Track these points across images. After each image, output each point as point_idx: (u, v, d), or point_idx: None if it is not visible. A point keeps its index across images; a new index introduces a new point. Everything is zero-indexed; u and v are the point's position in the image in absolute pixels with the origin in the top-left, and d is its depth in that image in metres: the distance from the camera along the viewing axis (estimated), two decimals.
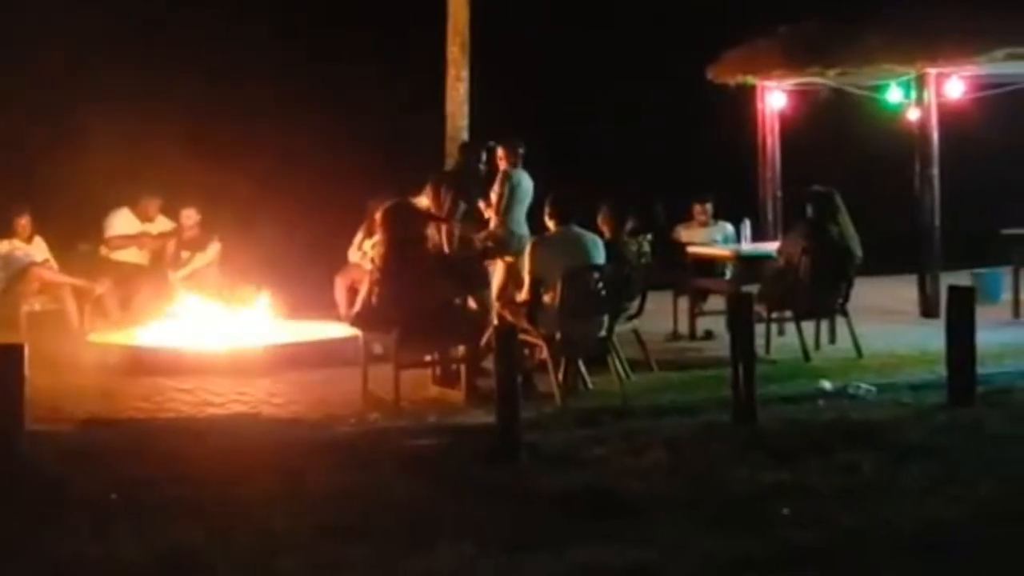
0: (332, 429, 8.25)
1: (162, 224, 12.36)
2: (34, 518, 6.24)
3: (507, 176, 11.15)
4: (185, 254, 12.22)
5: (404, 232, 9.14)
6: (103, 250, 12.11)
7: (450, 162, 12.24)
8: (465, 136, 12.66)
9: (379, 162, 13.91)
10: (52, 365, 9.88)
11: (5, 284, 11.48)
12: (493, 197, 11.15)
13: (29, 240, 11.70)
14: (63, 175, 12.06)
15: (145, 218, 12.24)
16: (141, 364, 10.16)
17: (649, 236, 10.61)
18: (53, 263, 11.76)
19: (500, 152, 11.24)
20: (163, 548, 5.77)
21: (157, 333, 11.05)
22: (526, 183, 11.22)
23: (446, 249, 10.72)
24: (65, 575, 5.51)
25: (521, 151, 11.27)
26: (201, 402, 9.14)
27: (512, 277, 10.49)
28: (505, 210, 11.06)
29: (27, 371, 6.88)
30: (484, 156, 11.28)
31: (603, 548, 5.73)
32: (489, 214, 11.19)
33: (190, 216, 12.29)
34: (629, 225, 10.40)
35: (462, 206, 10.92)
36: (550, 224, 9.37)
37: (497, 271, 10.76)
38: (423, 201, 10.81)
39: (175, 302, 11.58)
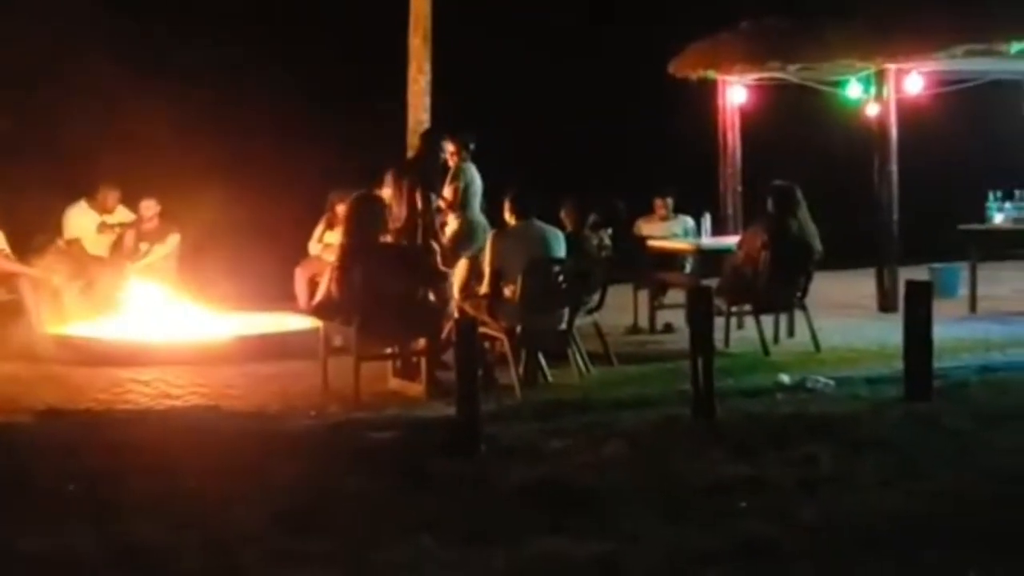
0: (292, 421, 8.23)
1: (121, 215, 12.28)
2: None
3: (460, 171, 10.90)
4: (144, 245, 12.15)
5: (368, 225, 9.11)
6: (61, 242, 12.01)
7: (412, 153, 12.11)
8: (425, 128, 12.59)
9: (341, 155, 13.86)
10: (9, 356, 9.81)
11: None
12: (447, 193, 10.92)
13: None
14: (20, 166, 11.95)
15: (103, 210, 12.16)
16: (99, 355, 10.10)
17: (610, 230, 10.63)
18: (10, 254, 11.66)
19: (450, 147, 10.90)
20: (121, 541, 5.75)
21: (115, 325, 10.99)
22: (478, 178, 11.09)
23: (436, 246, 10.52)
24: (21, 568, 5.47)
25: (472, 145, 11.00)
26: (160, 394, 9.10)
27: (474, 271, 10.42)
28: (463, 206, 10.93)
29: None
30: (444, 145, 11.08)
31: (562, 541, 5.75)
32: (442, 205, 10.98)
33: (150, 207, 12.22)
34: (591, 219, 10.43)
35: (433, 198, 10.71)
36: (510, 219, 9.37)
37: (459, 267, 10.63)
38: (386, 193, 10.70)
39: (133, 293, 11.52)
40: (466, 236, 10.81)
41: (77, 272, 11.69)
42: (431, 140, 11.09)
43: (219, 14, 15.14)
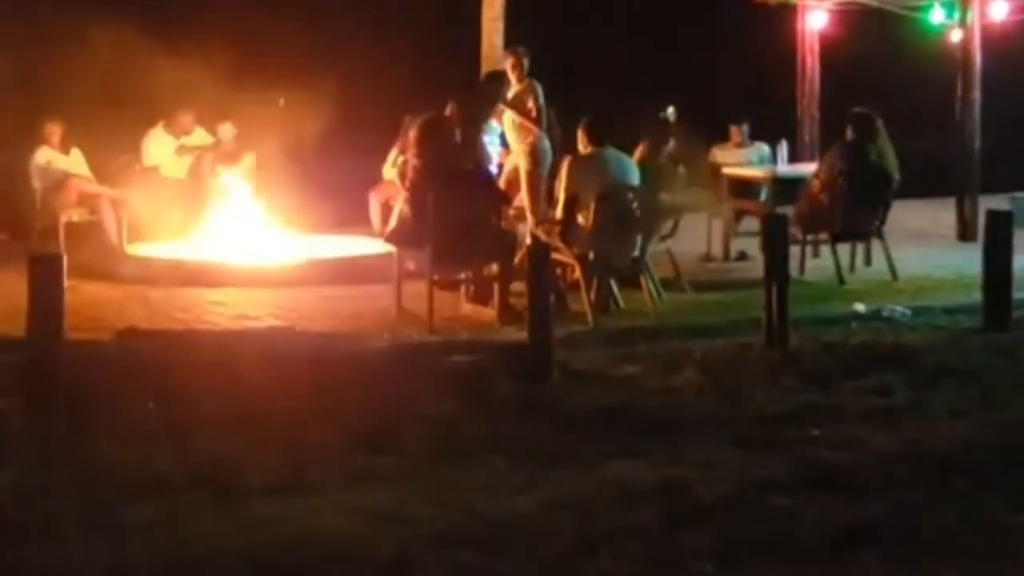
0: (366, 344, 8.30)
1: (199, 137, 12.38)
2: (72, 427, 6.33)
3: (533, 86, 10.74)
4: (221, 168, 12.25)
5: (439, 148, 9.10)
6: (138, 166, 12.15)
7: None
8: (500, 53, 12.47)
9: (414, 79, 13.84)
10: (91, 276, 9.97)
11: (43, 195, 11.56)
12: (531, 110, 10.74)
13: (67, 152, 11.75)
14: (102, 87, 12.05)
15: (181, 133, 12.26)
16: (178, 276, 10.23)
17: (682, 168, 10.57)
18: (91, 175, 11.82)
19: (510, 59, 10.79)
20: (198, 458, 5.86)
21: (194, 246, 11.13)
22: None
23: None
24: (101, 484, 5.59)
25: (526, 61, 10.85)
26: (237, 315, 9.21)
27: (538, 193, 10.30)
28: (539, 123, 10.80)
29: (66, 281, 6.94)
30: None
31: (632, 466, 5.78)
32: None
33: (228, 130, 12.30)
34: (669, 146, 10.38)
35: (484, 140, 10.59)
36: (584, 146, 9.31)
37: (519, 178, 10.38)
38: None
39: (211, 215, 11.64)
40: (546, 152, 10.66)
41: (156, 194, 11.82)
42: (497, 82, 10.86)
43: None
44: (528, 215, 10.53)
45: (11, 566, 4.76)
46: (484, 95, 10.81)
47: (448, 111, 10.23)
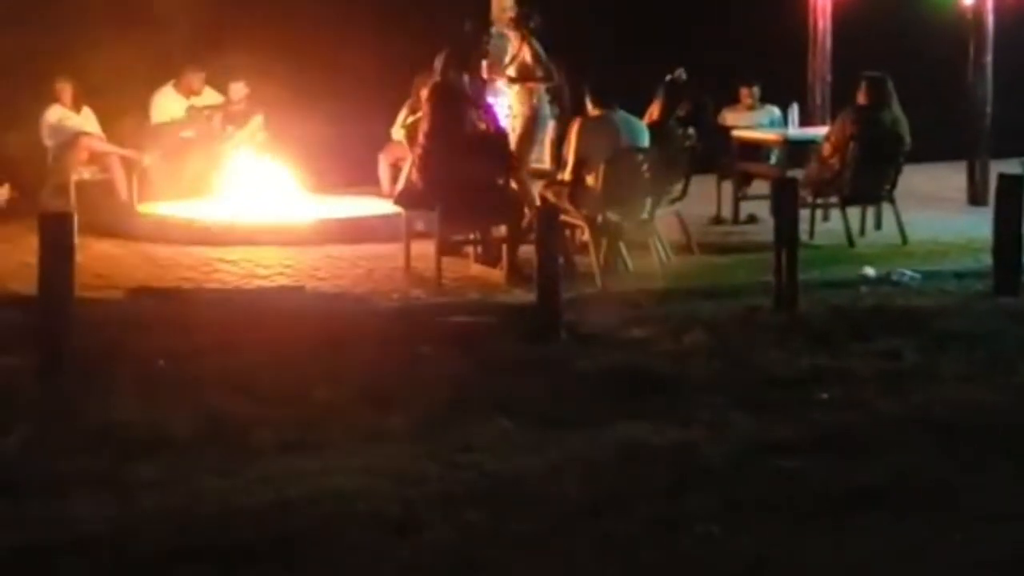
0: (375, 304, 8.33)
1: (209, 97, 12.34)
2: (82, 384, 6.37)
3: (535, 43, 10.60)
4: (230, 128, 12.23)
5: (450, 110, 9.09)
6: (150, 123, 12.12)
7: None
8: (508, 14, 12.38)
9: (424, 39, 13.77)
10: (101, 234, 10.00)
11: (54, 153, 11.55)
12: (540, 72, 10.68)
13: (78, 110, 11.74)
14: (108, 46, 12.00)
15: (190, 92, 12.22)
16: (189, 235, 10.25)
17: (692, 129, 10.51)
18: (102, 134, 11.81)
19: (514, 18, 10.65)
20: (207, 417, 5.89)
21: (204, 205, 11.13)
22: None
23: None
24: (110, 441, 5.63)
25: (532, 24, 10.60)
26: (247, 274, 9.24)
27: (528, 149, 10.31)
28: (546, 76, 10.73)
29: (76, 239, 6.96)
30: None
31: (640, 427, 5.80)
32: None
33: (239, 90, 12.25)
34: (680, 111, 10.34)
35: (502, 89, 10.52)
36: (592, 108, 9.29)
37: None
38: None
39: (222, 175, 11.64)
40: (544, 119, 10.63)
41: (167, 153, 11.81)
42: (478, 31, 10.71)
43: None
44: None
45: (21, 523, 4.80)
46: (467, 42, 10.58)
47: (437, 66, 10.03)
